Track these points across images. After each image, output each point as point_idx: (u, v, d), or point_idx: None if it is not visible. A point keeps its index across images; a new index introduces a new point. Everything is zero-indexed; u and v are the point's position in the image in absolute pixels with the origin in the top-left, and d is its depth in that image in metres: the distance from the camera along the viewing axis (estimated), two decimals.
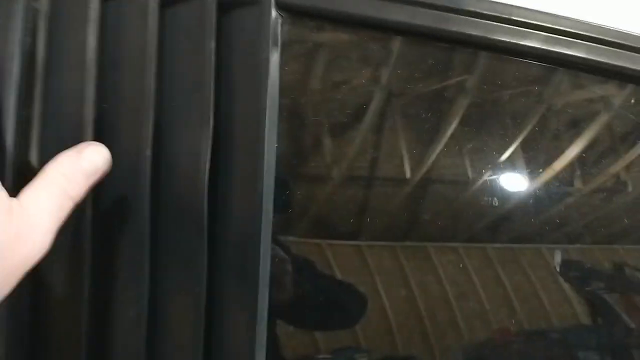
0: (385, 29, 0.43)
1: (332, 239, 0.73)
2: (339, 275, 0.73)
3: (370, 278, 0.77)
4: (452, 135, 0.71)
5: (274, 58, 0.40)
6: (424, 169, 0.68)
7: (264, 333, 0.38)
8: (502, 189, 0.81)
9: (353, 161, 0.62)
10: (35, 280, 0.36)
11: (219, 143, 0.39)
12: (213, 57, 0.39)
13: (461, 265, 0.78)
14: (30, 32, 0.39)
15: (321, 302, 0.70)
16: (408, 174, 0.67)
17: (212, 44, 0.39)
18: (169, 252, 0.37)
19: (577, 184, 0.78)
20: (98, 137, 0.37)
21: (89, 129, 0.37)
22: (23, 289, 0.36)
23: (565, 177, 0.78)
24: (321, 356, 0.75)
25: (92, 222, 0.36)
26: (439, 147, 0.72)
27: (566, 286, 0.77)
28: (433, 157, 0.65)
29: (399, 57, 0.63)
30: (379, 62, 0.55)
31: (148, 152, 0.37)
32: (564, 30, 0.42)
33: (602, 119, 0.73)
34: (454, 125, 0.71)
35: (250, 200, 0.39)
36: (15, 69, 0.38)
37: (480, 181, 0.79)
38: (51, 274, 0.36)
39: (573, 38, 0.41)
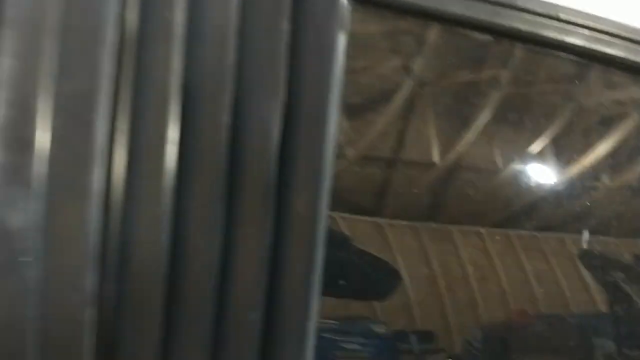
0: (441, 19, 0.47)
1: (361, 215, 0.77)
2: (372, 250, 0.77)
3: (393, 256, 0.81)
4: (486, 124, 0.75)
5: (341, 41, 0.44)
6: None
7: (318, 283, 0.42)
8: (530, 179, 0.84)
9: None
10: (116, 222, 0.41)
11: (287, 115, 0.43)
12: (287, 37, 0.43)
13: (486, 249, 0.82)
14: (124, 4, 0.43)
15: (356, 273, 0.74)
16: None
17: (287, 25, 0.43)
18: (241, 207, 0.42)
19: (605, 178, 0.81)
20: (182, 103, 0.42)
21: (176, 95, 0.42)
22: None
23: (593, 171, 0.80)
24: (338, 323, 0.79)
25: (174, 174, 0.41)
26: (476, 134, 0.75)
27: (586, 274, 0.80)
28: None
29: (442, 46, 0.67)
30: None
31: (226, 118, 0.42)
32: (605, 31, 0.46)
33: (628, 120, 0.77)
34: (486, 115, 0.74)
35: (313, 171, 0.43)
36: (110, 37, 0.42)
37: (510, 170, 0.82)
38: (133, 215, 0.41)
39: (613, 38, 0.45)
